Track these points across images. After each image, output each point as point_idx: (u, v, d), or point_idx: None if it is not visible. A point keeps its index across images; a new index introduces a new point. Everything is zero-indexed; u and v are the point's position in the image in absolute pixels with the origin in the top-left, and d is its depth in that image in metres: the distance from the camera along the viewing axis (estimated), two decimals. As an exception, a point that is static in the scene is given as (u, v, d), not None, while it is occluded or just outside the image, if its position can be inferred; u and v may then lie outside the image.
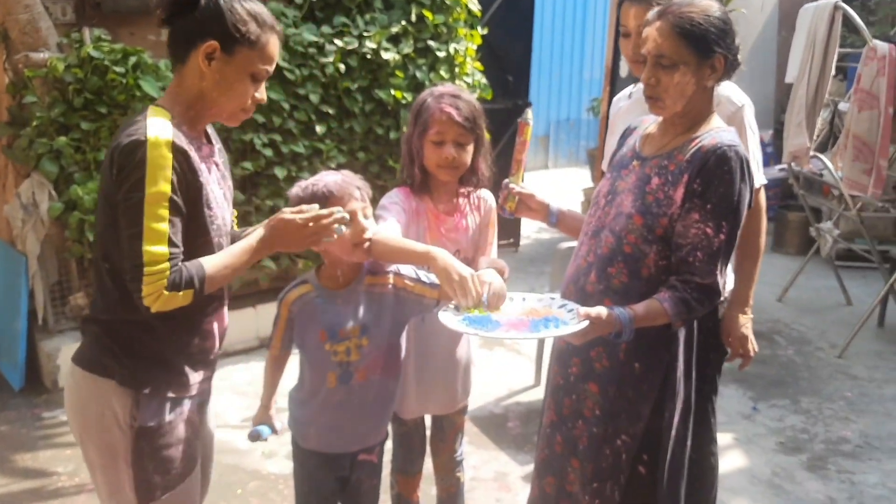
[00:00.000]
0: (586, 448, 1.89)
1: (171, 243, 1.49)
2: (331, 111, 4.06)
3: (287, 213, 1.65)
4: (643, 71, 2.09)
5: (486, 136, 2.15)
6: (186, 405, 1.67)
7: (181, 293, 1.51)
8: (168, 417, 1.63)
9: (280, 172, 3.88)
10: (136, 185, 1.46)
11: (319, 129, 4.01)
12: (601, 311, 1.68)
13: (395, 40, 4.19)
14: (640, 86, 2.32)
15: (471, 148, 2.09)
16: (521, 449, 3.28)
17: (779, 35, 7.53)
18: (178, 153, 1.50)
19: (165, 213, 1.48)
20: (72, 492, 2.90)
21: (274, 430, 1.98)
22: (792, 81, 4.86)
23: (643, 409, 1.82)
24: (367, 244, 1.82)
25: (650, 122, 1.92)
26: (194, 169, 1.54)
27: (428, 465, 2.35)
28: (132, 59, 3.43)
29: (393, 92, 4.16)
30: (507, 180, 2.09)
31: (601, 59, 9.83)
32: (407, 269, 1.93)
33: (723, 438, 3.41)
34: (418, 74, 4.27)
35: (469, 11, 4.53)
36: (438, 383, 2.21)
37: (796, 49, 4.82)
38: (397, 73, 4.16)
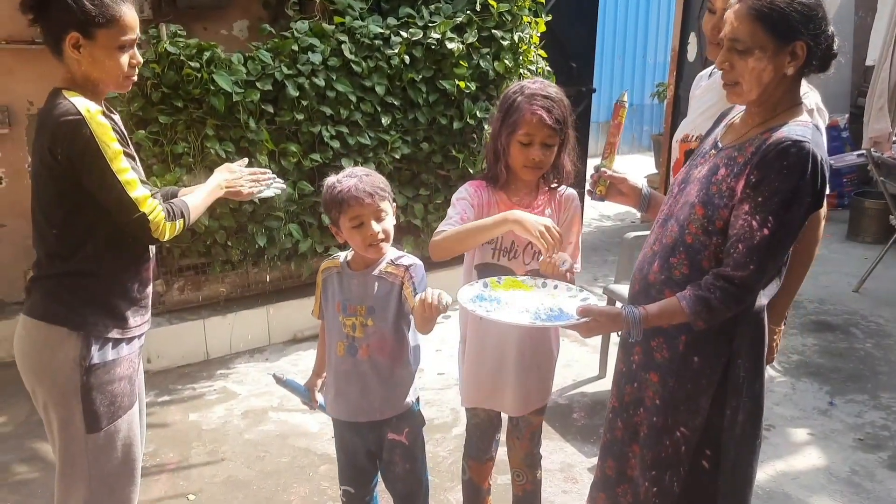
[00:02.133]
0: (646, 436, 1.88)
1: (144, 184, 1.81)
2: (396, 102, 4.09)
3: (234, 165, 2.20)
4: (716, 53, 2.06)
5: (573, 134, 2.12)
6: (127, 346, 1.91)
7: (177, 222, 1.87)
8: (112, 356, 1.87)
9: (347, 164, 3.93)
10: (95, 154, 1.71)
11: (385, 120, 4.05)
12: (605, 309, 1.70)
13: (459, 30, 4.19)
14: None
15: (556, 147, 2.07)
16: (587, 440, 3.26)
17: (856, 16, 7.22)
18: (108, 118, 1.76)
19: (126, 165, 1.76)
20: (153, 471, 3.02)
21: (309, 397, 2.21)
22: (873, 64, 4.67)
23: (702, 404, 1.79)
24: (380, 244, 1.96)
25: (738, 112, 1.85)
26: (120, 129, 1.80)
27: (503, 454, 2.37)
28: (206, 54, 3.53)
29: (457, 82, 4.17)
30: (598, 163, 2.03)
31: (666, 43, 9.62)
32: (418, 273, 2.00)
33: (798, 434, 3.33)
34: (482, 63, 4.26)
35: (534, -1, 4.50)
36: (497, 383, 2.21)
37: (878, 31, 4.63)
38: (461, 62, 4.16)
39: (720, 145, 1.80)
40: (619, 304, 1.71)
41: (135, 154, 1.85)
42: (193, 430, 3.34)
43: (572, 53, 5.59)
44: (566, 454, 3.17)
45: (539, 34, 4.57)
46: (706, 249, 1.71)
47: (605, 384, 3.70)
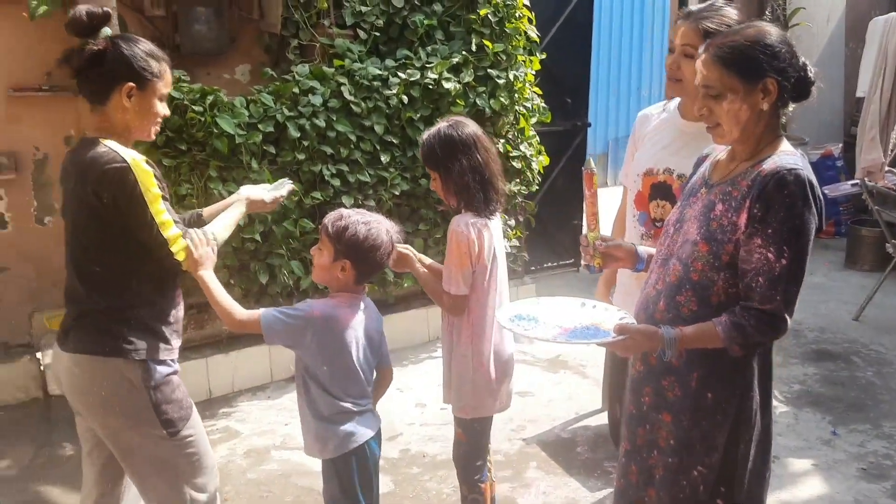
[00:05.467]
0: (662, 479, 1.87)
1: (176, 223, 1.98)
2: (395, 140, 4.17)
3: (254, 195, 2.35)
4: (674, 90, 2.25)
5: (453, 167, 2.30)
6: (174, 364, 2.09)
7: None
8: (167, 371, 2.04)
9: (347, 201, 3.99)
10: (138, 199, 1.90)
11: (384, 158, 4.12)
12: (642, 327, 1.71)
13: (455, 70, 4.27)
14: (675, 102, 2.38)
15: (438, 181, 2.34)
16: (591, 475, 3.26)
17: (846, 47, 7.34)
18: (150, 165, 1.94)
19: (163, 207, 1.95)
20: None
21: None
22: (863, 96, 4.76)
23: (718, 440, 1.80)
24: None
25: (721, 149, 1.91)
26: (158, 175, 1.98)
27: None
28: (209, 98, 3.61)
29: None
30: (586, 235, 2.00)
31: (660, 74, 9.76)
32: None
33: (801, 464, 3.32)
34: (479, 101, 4.34)
35: (528, 38, 4.59)
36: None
37: (867, 63, 4.73)
38: (458, 101, 4.24)
39: (710, 182, 1.85)
40: (646, 325, 1.75)
41: (167, 196, 2.02)
42: (197, 470, 3.33)
43: (567, 89, 5.69)
44: (570, 489, 3.17)
45: (534, 72, 4.67)
46: (714, 285, 1.75)
47: (607, 417, 3.71)
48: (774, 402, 3.78)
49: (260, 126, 3.73)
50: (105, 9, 1.98)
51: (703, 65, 1.73)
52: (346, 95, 3.96)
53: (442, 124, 2.33)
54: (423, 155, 2.35)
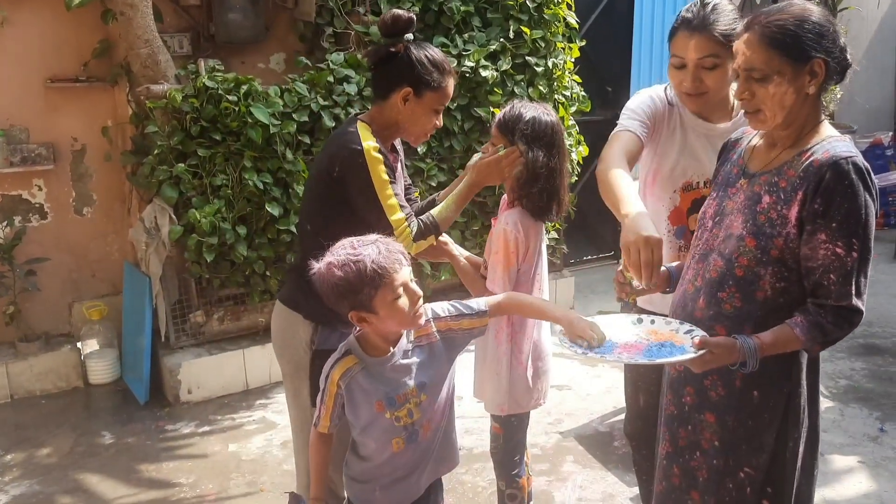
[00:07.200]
0: (706, 481, 1.80)
1: (402, 207, 2.09)
2: (431, 130, 4.12)
3: (481, 159, 2.21)
4: (697, 103, 2.08)
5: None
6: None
7: (426, 239, 2.15)
8: (336, 344, 1.92)
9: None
10: (366, 181, 2.03)
11: (420, 148, 4.07)
12: (721, 340, 1.62)
13: (493, 57, 4.21)
14: (674, 95, 2.17)
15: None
16: (629, 469, 3.18)
17: (898, 31, 7.11)
18: (381, 153, 2.05)
19: (390, 190, 2.06)
20: (193, 502, 3.03)
21: None
22: (915, 80, 4.56)
23: (766, 440, 1.73)
24: (420, 311, 1.73)
25: (754, 133, 1.81)
26: (390, 164, 2.09)
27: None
28: (244, 88, 3.60)
29: (492, 109, 4.18)
30: (623, 272, 1.82)
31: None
32: (443, 308, 1.84)
33: (847, 461, 3.22)
34: (517, 90, 4.27)
35: (567, 25, 4.50)
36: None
37: (919, 46, 4.52)
38: (496, 89, 4.18)
39: (750, 172, 1.76)
40: (723, 337, 1.66)
41: (397, 182, 2.15)
42: (233, 460, 3.35)
43: (607, 78, 5.58)
44: (607, 483, 3.11)
45: (573, 60, 4.57)
46: (760, 280, 1.68)
47: (647, 412, 3.63)
48: (821, 398, 3.70)
49: (294, 115, 3.71)
50: (409, 14, 2.07)
51: (748, 45, 1.63)
52: (381, 84, 3.91)
53: (535, 107, 2.21)
54: (509, 129, 2.18)
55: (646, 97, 2.17)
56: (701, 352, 1.61)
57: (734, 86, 2.04)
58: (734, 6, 2.02)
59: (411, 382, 1.76)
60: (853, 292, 1.61)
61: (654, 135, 2.16)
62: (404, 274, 1.67)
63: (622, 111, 2.15)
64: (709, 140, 2.15)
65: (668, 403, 1.92)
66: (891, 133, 6.92)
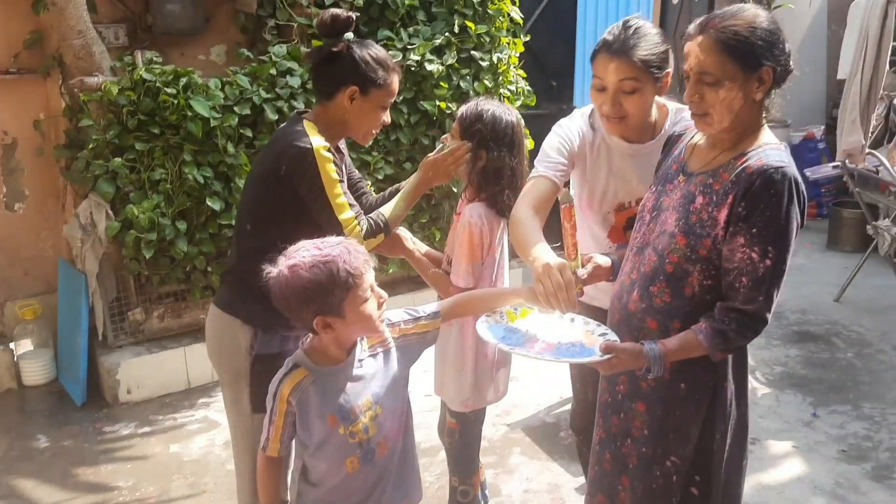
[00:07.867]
0: (636, 467, 1.86)
1: (351, 206, 2.06)
2: (376, 123, 4.09)
3: (430, 156, 2.24)
4: (618, 128, 2.05)
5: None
6: (293, 344, 2.04)
7: (375, 238, 2.13)
8: (276, 349, 2.06)
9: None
10: (314, 180, 1.99)
11: (365, 141, 4.05)
12: (627, 346, 1.68)
13: (438, 52, 4.20)
14: (597, 119, 2.14)
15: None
16: (575, 459, 3.23)
17: (828, 29, 7.35)
18: (330, 152, 2.03)
19: (339, 188, 2.03)
20: (134, 505, 2.97)
21: None
22: (844, 77, 4.74)
23: (692, 431, 1.78)
24: (383, 315, 1.70)
25: (696, 131, 1.84)
26: (338, 163, 2.07)
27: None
28: (183, 80, 3.51)
29: (437, 102, 4.18)
30: (567, 264, 1.79)
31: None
32: (396, 314, 1.80)
33: (782, 446, 3.33)
34: (462, 84, 4.28)
35: (511, 20, 4.52)
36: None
37: (848, 45, 4.71)
38: (441, 83, 4.17)
39: (689, 171, 1.79)
40: (630, 343, 1.71)
41: (345, 181, 2.12)
42: (174, 461, 3.29)
43: (552, 72, 5.64)
44: (553, 474, 3.16)
45: (518, 54, 4.60)
46: (688, 276, 1.72)
47: (591, 402, 3.69)
48: (756, 385, 3.83)
49: (236, 108, 3.64)
50: (348, 14, 2.05)
51: (702, 49, 1.64)
52: (325, 77, 3.87)
53: (498, 106, 2.24)
54: (469, 127, 2.21)
55: (564, 130, 2.16)
56: (607, 356, 1.65)
57: (654, 110, 2.09)
58: (658, 30, 2.01)
59: (366, 393, 1.69)
60: (762, 299, 1.64)
61: (578, 164, 2.17)
62: (371, 276, 1.63)
63: (539, 152, 2.15)
64: (635, 160, 2.13)
65: (602, 391, 1.98)
66: (823, 127, 7.16)
